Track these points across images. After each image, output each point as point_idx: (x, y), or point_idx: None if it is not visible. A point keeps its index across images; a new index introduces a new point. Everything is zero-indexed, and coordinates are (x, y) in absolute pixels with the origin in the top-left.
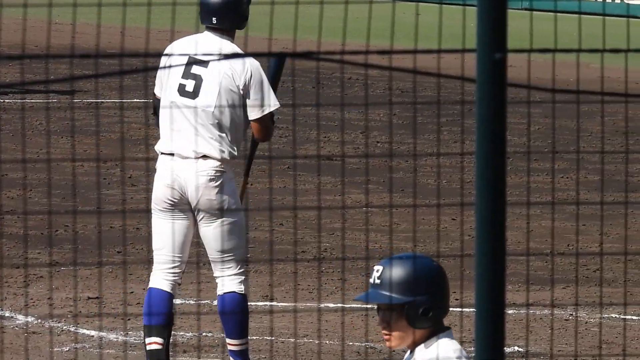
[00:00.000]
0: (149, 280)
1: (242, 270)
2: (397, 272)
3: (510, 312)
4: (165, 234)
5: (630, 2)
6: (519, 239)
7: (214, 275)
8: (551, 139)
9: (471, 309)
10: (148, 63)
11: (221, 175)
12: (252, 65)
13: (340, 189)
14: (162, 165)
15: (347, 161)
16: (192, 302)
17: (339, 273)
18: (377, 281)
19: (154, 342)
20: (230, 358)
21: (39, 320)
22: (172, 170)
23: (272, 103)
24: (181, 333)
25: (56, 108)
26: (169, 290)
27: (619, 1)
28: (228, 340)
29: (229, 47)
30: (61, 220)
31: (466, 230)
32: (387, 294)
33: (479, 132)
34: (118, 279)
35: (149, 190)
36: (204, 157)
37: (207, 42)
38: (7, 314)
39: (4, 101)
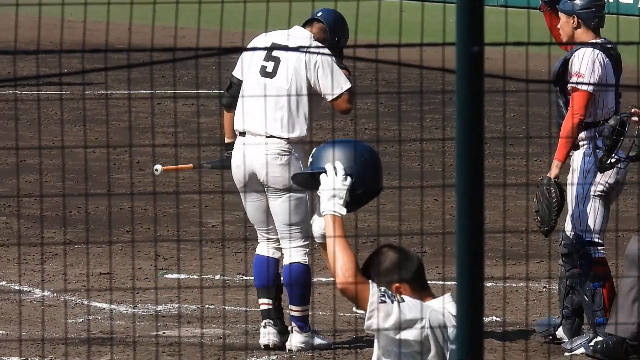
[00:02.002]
0: (163, 256)
1: (307, 242)
2: (323, 150)
3: (488, 284)
4: (250, 212)
5: None
6: (496, 218)
7: (281, 246)
8: (525, 125)
9: (452, 282)
10: (154, 57)
11: (287, 154)
12: (323, 55)
13: None
14: (237, 145)
15: None
16: (195, 277)
17: None
18: (310, 159)
19: (263, 303)
20: (292, 323)
21: (55, 294)
22: (242, 150)
23: (343, 85)
24: (185, 305)
25: (69, 99)
26: (269, 255)
27: None
28: (291, 307)
29: (308, 36)
30: (74, 202)
31: (447, 210)
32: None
33: (459, 119)
34: (127, 256)
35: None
36: (272, 136)
37: (293, 32)
38: (25, 289)
39: (21, 93)
